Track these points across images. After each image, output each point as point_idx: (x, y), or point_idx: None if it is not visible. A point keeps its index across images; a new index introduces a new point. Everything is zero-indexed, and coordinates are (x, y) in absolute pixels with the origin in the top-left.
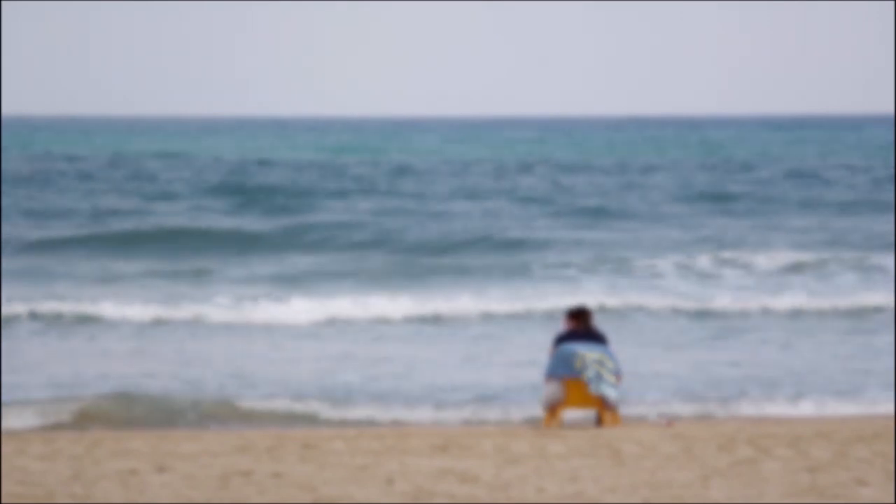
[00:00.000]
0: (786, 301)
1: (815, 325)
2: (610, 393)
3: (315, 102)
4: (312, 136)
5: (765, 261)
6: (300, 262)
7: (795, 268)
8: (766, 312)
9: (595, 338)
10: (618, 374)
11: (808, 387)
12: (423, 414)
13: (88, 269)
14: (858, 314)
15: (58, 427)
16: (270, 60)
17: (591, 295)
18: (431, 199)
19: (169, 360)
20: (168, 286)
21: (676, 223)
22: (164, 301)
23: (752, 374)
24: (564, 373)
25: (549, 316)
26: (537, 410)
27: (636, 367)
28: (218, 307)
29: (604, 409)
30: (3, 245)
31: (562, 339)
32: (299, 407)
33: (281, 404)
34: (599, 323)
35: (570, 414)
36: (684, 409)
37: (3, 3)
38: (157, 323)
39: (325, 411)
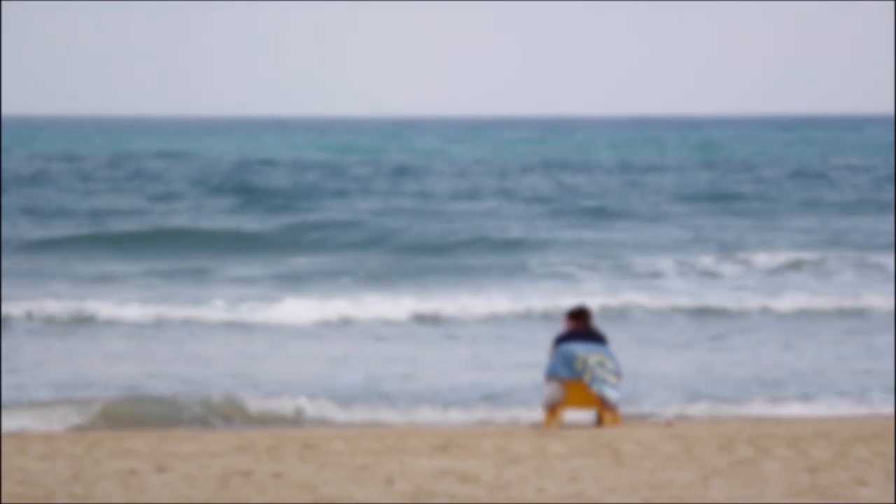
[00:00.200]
0: (786, 301)
1: (816, 324)
2: (610, 394)
3: (315, 103)
4: (313, 136)
5: (765, 260)
6: (300, 261)
7: (796, 268)
8: (767, 312)
9: (595, 338)
10: (618, 374)
11: (809, 387)
12: (424, 414)
13: (88, 268)
14: (859, 314)
15: (58, 428)
16: (271, 60)
17: (591, 295)
18: (432, 198)
19: (169, 360)
20: (168, 286)
21: (677, 223)
22: (163, 301)
23: (752, 374)
24: (565, 374)
25: (549, 316)
26: (537, 410)
27: (636, 367)
28: (218, 307)
29: (604, 409)
30: (2, 245)
31: (562, 339)
32: (299, 407)
33: (281, 404)
34: (600, 323)
35: (570, 414)
36: (684, 408)
37: (2, 3)
38: (157, 323)
39: (325, 411)
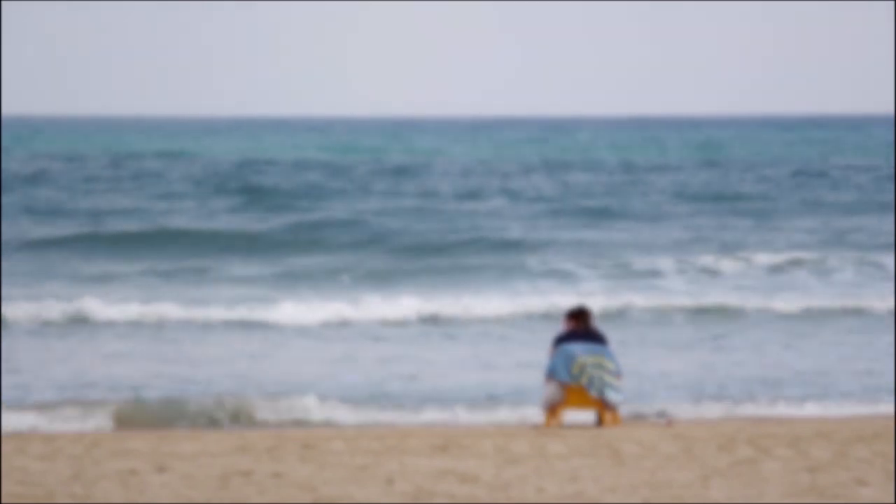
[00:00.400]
0: (787, 301)
1: (816, 324)
2: (611, 395)
3: (316, 103)
4: (313, 136)
5: (766, 260)
6: (301, 261)
7: (796, 267)
8: (767, 312)
9: (595, 338)
10: (618, 375)
11: (809, 387)
12: (424, 414)
13: (88, 268)
14: (859, 314)
15: (58, 428)
16: (271, 60)
17: (591, 295)
18: (433, 198)
19: (169, 360)
20: (168, 286)
21: (677, 223)
22: (164, 301)
23: (752, 373)
24: (563, 378)
25: (549, 316)
26: (537, 410)
27: (637, 367)
28: (219, 307)
29: (604, 410)
30: (3, 245)
31: (561, 339)
32: (300, 407)
33: (281, 404)
34: (600, 323)
35: (570, 414)
36: (684, 408)
37: (2, 3)
38: (158, 323)
39: (326, 411)
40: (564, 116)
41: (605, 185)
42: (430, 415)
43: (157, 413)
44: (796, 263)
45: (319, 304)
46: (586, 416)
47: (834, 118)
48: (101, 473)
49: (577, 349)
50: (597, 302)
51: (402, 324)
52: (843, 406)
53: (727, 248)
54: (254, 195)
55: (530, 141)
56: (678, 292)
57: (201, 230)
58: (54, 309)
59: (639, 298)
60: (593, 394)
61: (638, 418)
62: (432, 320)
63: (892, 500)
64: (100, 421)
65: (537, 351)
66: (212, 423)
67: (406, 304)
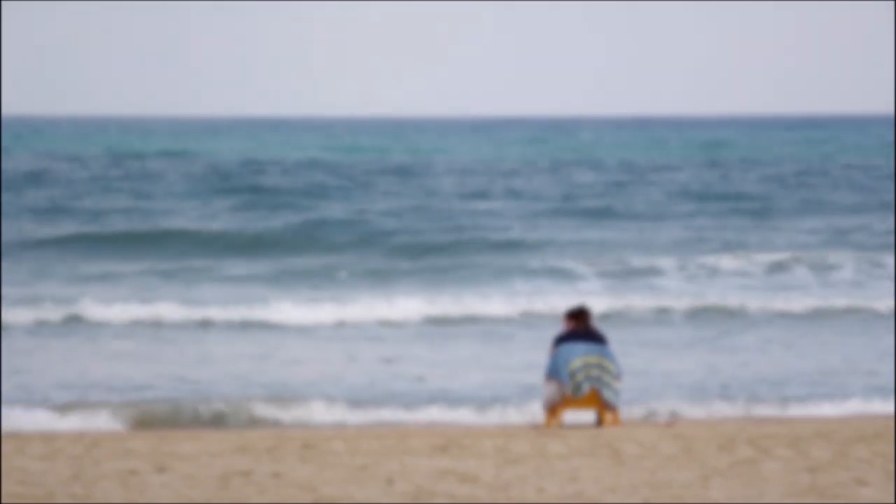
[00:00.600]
0: (788, 301)
1: (817, 324)
2: (611, 396)
3: (316, 102)
4: (314, 136)
5: (767, 260)
6: (301, 261)
7: (797, 267)
8: (768, 312)
9: (594, 338)
10: (618, 377)
11: (810, 386)
12: (426, 414)
13: (88, 268)
14: (860, 314)
15: (58, 428)
16: (271, 60)
17: (592, 295)
18: (435, 198)
19: (169, 360)
20: (169, 286)
21: (679, 222)
22: (164, 301)
23: (753, 373)
24: (563, 378)
25: (549, 316)
26: (538, 411)
27: (637, 367)
28: (219, 307)
29: (604, 410)
30: (3, 245)
31: (561, 339)
32: (300, 406)
33: (281, 404)
34: (601, 323)
35: (570, 414)
36: (684, 408)
37: (2, 3)
38: (158, 323)
39: (327, 412)
40: (565, 116)
41: (605, 185)
42: (432, 415)
43: (156, 413)
44: (797, 263)
45: (320, 304)
46: (586, 416)
47: (834, 118)
48: (101, 473)
49: (577, 349)
50: (597, 302)
51: (402, 324)
52: (844, 406)
53: (728, 248)
54: (254, 195)
55: (531, 141)
56: (679, 292)
57: (201, 230)
58: (53, 309)
59: (639, 298)
60: (581, 393)
61: (638, 418)
62: (433, 320)
63: (892, 500)
64: (100, 421)
65: (537, 351)
66: (212, 423)
67: (406, 303)
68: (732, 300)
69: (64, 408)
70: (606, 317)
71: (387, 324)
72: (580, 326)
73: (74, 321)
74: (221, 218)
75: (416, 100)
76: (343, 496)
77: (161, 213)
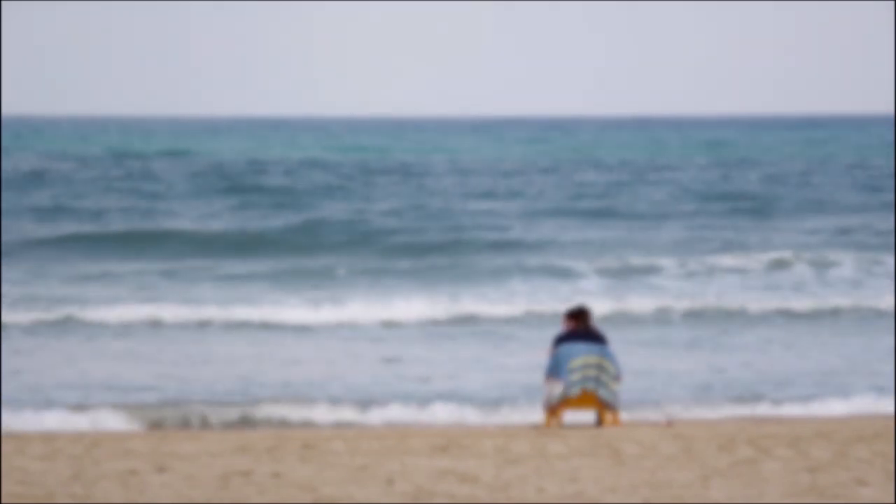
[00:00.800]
0: (788, 300)
1: (818, 324)
2: (610, 396)
3: (317, 102)
4: (314, 136)
5: (768, 260)
6: (302, 261)
7: (798, 267)
8: (769, 312)
9: (594, 338)
10: (617, 377)
11: (810, 386)
12: (426, 414)
13: (88, 268)
14: (860, 314)
15: (58, 428)
16: (272, 60)
17: (592, 295)
18: (434, 198)
19: (169, 359)
20: (169, 286)
21: (679, 222)
22: (164, 301)
23: (753, 373)
24: (563, 378)
25: (549, 316)
26: (537, 411)
27: (637, 367)
28: (219, 307)
29: (604, 410)
30: (3, 244)
31: (561, 339)
32: (300, 407)
33: (282, 404)
34: (601, 323)
35: (570, 414)
36: (685, 408)
37: (2, 3)
38: (158, 323)
39: (326, 411)
40: (566, 116)
41: (606, 185)
42: (433, 415)
43: (156, 413)
44: (797, 262)
45: (320, 304)
46: (586, 416)
47: (834, 118)
48: (101, 473)
49: (577, 349)
50: (597, 302)
51: (402, 323)
52: (844, 406)
53: (728, 248)
54: (255, 195)
55: (532, 140)
56: (679, 292)
57: (201, 230)
58: (53, 309)
59: (639, 298)
60: (575, 392)
61: (638, 418)
62: (433, 320)
63: (892, 500)
64: (99, 421)
65: (538, 351)
66: (212, 423)
67: (407, 303)
68: (732, 300)
69: (64, 408)
70: (606, 317)
71: (387, 323)
72: (580, 326)
73: (74, 321)
74: (221, 218)
75: (417, 100)
76: (343, 496)
77: (161, 213)
